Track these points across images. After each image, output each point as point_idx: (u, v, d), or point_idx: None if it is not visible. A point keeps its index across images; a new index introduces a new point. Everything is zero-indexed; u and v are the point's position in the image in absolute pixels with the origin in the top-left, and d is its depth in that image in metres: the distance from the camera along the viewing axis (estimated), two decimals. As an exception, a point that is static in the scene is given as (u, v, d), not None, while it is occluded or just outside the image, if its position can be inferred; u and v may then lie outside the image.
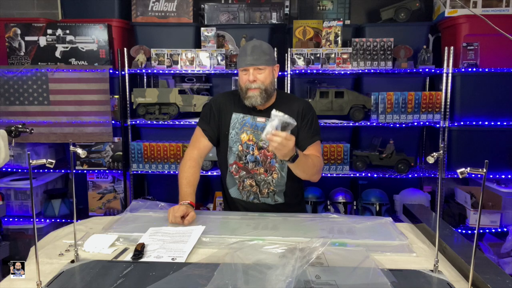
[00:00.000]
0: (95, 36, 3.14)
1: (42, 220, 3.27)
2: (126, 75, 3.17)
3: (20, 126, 2.17)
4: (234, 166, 1.88)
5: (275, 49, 3.06)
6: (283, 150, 1.53)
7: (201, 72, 3.18)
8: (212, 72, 3.17)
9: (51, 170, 3.37)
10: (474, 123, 3.08)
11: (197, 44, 3.25)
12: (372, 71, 3.10)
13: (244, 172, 1.87)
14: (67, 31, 3.14)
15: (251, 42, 1.83)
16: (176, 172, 3.17)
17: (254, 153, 1.85)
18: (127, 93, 3.19)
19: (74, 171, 3.32)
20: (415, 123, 3.10)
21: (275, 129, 1.47)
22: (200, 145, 1.90)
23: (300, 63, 3.10)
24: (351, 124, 3.12)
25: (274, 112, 1.50)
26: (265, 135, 1.48)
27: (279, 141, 1.49)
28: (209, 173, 3.17)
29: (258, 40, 1.86)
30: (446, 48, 3.03)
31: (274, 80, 1.85)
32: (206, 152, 1.92)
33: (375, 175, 3.15)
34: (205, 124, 1.91)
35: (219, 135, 1.91)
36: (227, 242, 1.41)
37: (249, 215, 1.74)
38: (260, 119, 1.85)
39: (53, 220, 3.28)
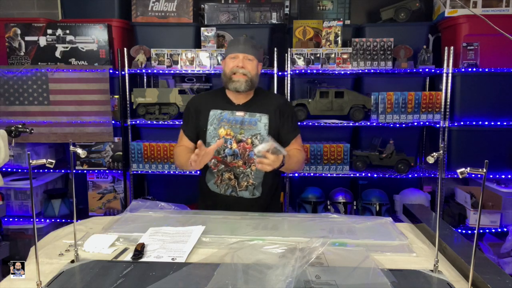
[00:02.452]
0: (95, 36, 3.14)
1: (42, 220, 3.27)
2: (126, 75, 3.17)
3: (20, 126, 2.17)
4: (212, 160, 1.92)
5: (275, 49, 3.07)
6: (269, 168, 1.67)
7: (201, 72, 3.18)
8: (212, 72, 3.17)
9: (51, 170, 3.37)
10: (474, 123, 3.08)
11: (197, 44, 3.25)
12: (372, 71, 3.10)
13: (223, 166, 1.91)
14: (67, 31, 3.14)
15: (242, 36, 1.99)
16: (176, 172, 3.18)
17: (233, 147, 1.90)
18: (127, 93, 3.19)
19: (74, 171, 3.31)
20: (415, 123, 3.10)
21: (265, 150, 1.61)
22: (185, 143, 2.00)
23: (300, 63, 3.10)
24: (351, 124, 3.12)
25: (269, 138, 1.68)
26: (257, 151, 1.61)
27: (268, 162, 1.63)
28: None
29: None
30: (446, 48, 3.03)
31: (258, 76, 1.94)
32: (191, 148, 1.99)
33: (375, 175, 3.15)
34: (185, 125, 2.01)
35: (198, 133, 1.97)
36: (227, 242, 1.41)
37: (249, 215, 1.73)
38: (239, 113, 1.92)
39: (53, 220, 3.28)
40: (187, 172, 3.16)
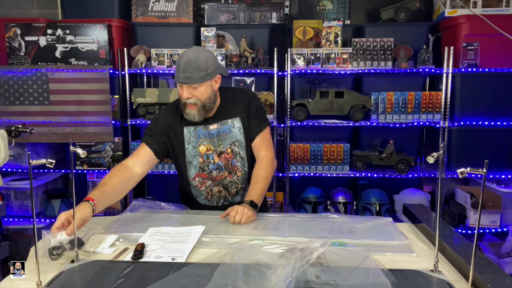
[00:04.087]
0: (95, 36, 3.14)
1: (42, 220, 3.27)
2: (126, 75, 3.17)
3: (20, 126, 2.17)
4: (197, 179, 1.87)
5: (275, 49, 3.07)
6: (251, 216, 1.62)
7: (201, 72, 3.18)
8: (212, 72, 3.16)
9: (51, 170, 3.37)
10: (474, 123, 3.08)
11: (197, 44, 3.24)
12: (372, 71, 3.10)
13: (210, 181, 1.87)
14: (67, 31, 3.14)
15: (187, 53, 1.68)
16: (177, 172, 3.17)
17: (215, 161, 1.85)
18: (127, 93, 3.19)
19: (74, 171, 3.31)
20: (415, 123, 3.10)
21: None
22: (139, 154, 1.79)
23: (300, 63, 3.10)
24: (351, 124, 3.12)
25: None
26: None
27: (239, 216, 1.58)
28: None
29: (197, 50, 1.71)
30: (446, 48, 3.03)
31: (214, 92, 1.79)
32: (144, 161, 1.78)
33: (375, 175, 3.14)
34: (149, 138, 1.82)
35: (168, 150, 1.86)
36: (227, 242, 1.41)
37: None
38: (213, 126, 1.84)
39: (53, 220, 3.26)
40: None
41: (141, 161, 1.77)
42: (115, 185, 1.63)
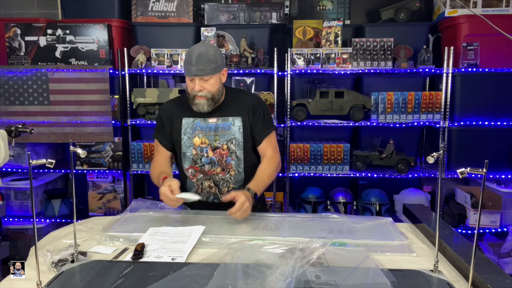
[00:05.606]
0: (95, 36, 3.14)
1: (42, 220, 3.27)
2: (126, 75, 3.17)
3: (20, 126, 2.17)
4: (190, 170, 1.89)
5: (275, 49, 3.07)
6: (247, 211, 1.63)
7: (201, 72, 3.18)
8: (212, 72, 3.16)
9: (51, 170, 3.37)
10: (474, 123, 3.08)
11: (197, 44, 3.25)
12: (372, 71, 3.10)
13: (201, 175, 1.88)
14: (67, 31, 3.14)
15: (197, 47, 1.76)
16: (176, 172, 3.16)
17: (209, 155, 1.86)
18: (127, 93, 3.19)
19: (74, 171, 3.31)
20: (415, 123, 3.10)
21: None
22: (162, 152, 1.95)
23: (300, 63, 3.10)
24: (351, 124, 3.12)
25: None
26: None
27: (240, 214, 1.60)
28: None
29: (205, 45, 1.80)
30: (446, 48, 3.03)
31: (221, 85, 1.84)
32: (168, 158, 1.96)
33: (375, 175, 3.15)
34: (159, 135, 1.95)
35: (173, 142, 1.93)
36: (227, 242, 1.41)
37: (249, 215, 1.73)
38: (212, 120, 1.86)
39: (53, 220, 3.28)
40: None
41: (167, 158, 1.96)
42: (168, 168, 1.90)
